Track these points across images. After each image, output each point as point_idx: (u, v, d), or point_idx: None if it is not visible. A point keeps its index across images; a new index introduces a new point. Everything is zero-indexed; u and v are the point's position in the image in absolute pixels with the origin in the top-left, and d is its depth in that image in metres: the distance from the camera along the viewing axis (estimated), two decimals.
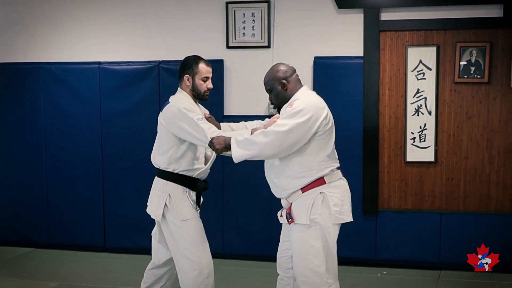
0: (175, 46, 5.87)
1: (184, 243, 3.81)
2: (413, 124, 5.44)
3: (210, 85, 3.90)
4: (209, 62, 5.95)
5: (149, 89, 5.90)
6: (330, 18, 5.55)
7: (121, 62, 5.98)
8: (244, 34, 5.67)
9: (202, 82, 3.84)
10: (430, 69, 5.36)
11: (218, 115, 5.75)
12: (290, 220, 3.51)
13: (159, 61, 5.88)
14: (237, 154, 3.43)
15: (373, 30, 5.42)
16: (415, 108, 5.42)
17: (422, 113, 5.41)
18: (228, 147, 3.48)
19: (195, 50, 5.74)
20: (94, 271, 5.67)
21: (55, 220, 6.27)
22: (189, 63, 3.85)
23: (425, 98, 5.39)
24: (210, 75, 3.89)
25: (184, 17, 5.86)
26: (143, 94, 5.92)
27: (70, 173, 6.17)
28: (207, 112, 4.01)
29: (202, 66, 3.85)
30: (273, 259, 3.88)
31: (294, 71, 3.66)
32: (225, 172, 5.76)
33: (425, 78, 5.37)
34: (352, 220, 3.57)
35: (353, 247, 5.56)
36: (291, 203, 3.53)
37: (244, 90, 5.82)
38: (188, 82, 3.84)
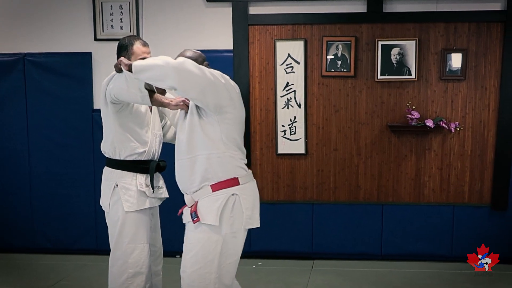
0: (42, 38, 5.66)
1: (118, 235, 3.64)
2: (283, 117, 5.51)
3: None
4: (77, 55, 5.77)
5: (14, 82, 5.66)
6: (199, 11, 5.52)
7: None
8: (112, 26, 5.53)
9: None
10: (298, 62, 5.44)
11: (87, 109, 5.62)
12: (196, 219, 3.24)
13: (24, 53, 5.64)
14: (137, 63, 3.15)
15: (242, 24, 5.44)
16: (285, 101, 5.49)
17: (292, 106, 5.49)
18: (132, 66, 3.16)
19: (62, 42, 5.64)
20: None
21: None
22: (124, 45, 3.62)
23: (295, 91, 5.47)
24: (148, 56, 3.61)
25: (51, 8, 5.65)
26: (7, 87, 5.67)
27: None
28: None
29: (137, 46, 3.61)
30: None
31: (204, 58, 3.40)
32: None
33: (294, 72, 5.45)
34: (259, 225, 3.40)
35: None
36: (197, 201, 3.29)
37: None
38: None
